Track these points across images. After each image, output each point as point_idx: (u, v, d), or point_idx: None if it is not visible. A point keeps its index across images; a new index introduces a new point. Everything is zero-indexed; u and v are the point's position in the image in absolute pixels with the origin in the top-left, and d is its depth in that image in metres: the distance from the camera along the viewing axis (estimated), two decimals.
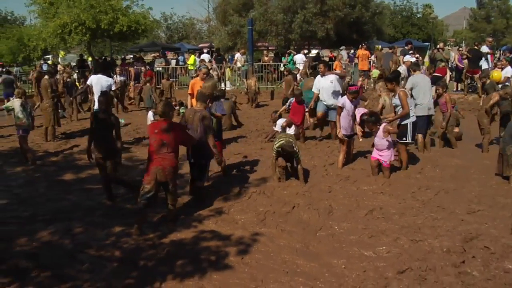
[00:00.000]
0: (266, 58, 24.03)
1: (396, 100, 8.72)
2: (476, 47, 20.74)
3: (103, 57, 27.81)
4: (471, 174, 8.47)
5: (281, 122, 10.80)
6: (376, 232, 6.02)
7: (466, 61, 18.49)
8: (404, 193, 7.47)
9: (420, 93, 9.95)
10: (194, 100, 10.22)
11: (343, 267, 5.15)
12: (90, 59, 28.95)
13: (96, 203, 7.41)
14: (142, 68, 19.71)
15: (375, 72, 17.68)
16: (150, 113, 12.10)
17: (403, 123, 8.67)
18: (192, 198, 7.45)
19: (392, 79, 8.83)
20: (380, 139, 8.20)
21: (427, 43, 38.91)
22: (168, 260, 5.36)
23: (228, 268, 5.18)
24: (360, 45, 22.05)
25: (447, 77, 16.65)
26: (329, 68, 12.75)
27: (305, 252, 5.54)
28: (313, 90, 11.19)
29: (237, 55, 24.53)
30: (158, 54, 27.76)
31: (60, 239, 6.04)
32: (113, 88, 10.92)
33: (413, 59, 16.46)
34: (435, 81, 15.36)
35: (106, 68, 11.96)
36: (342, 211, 6.80)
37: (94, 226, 6.46)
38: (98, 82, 10.93)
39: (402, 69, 15.27)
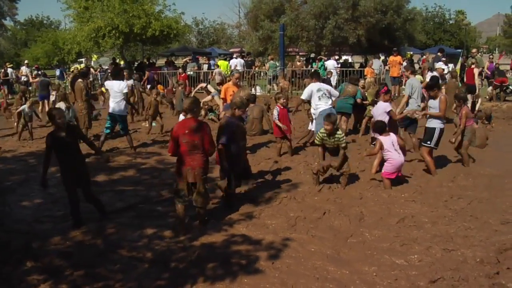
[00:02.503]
0: (298, 64, 24.01)
1: (434, 103, 8.67)
2: (497, 65, 20.63)
3: (115, 61, 28.07)
4: (505, 183, 8.30)
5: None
6: (408, 240, 5.94)
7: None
8: (436, 201, 7.37)
9: (414, 95, 10.28)
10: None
11: (374, 275, 5.10)
12: (122, 62, 29.40)
13: (128, 204, 7.51)
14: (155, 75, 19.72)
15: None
16: (182, 117, 12.21)
17: (431, 126, 8.69)
18: (221, 201, 7.50)
19: (434, 85, 8.92)
20: (401, 152, 8.12)
21: (460, 50, 38.27)
22: (199, 263, 5.38)
23: (258, 272, 5.18)
24: (393, 52, 21.84)
25: (477, 82, 16.34)
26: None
27: (336, 259, 5.51)
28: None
29: (232, 61, 24.90)
30: (190, 58, 28.00)
31: (92, 239, 6.15)
32: (124, 91, 10.98)
33: (445, 66, 16.34)
34: (469, 90, 15.19)
35: (118, 73, 12.07)
36: (373, 218, 6.75)
37: (126, 227, 6.55)
38: (111, 87, 11.08)
39: (433, 75, 15.16)
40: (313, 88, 10.32)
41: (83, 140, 7.00)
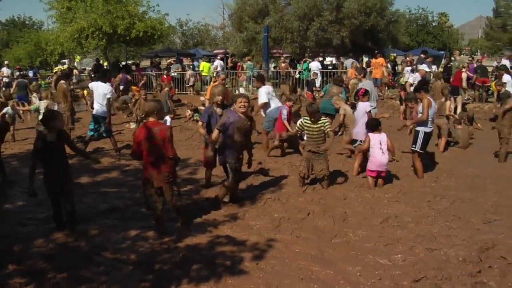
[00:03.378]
0: (283, 65, 24.05)
1: (420, 107, 8.78)
2: (480, 63, 20.89)
3: (98, 62, 27.98)
4: (487, 183, 8.41)
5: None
6: (392, 240, 5.99)
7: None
8: (419, 201, 7.44)
9: (370, 98, 10.47)
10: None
11: (358, 275, 5.13)
12: (106, 63, 29.24)
13: (111, 206, 7.46)
14: (128, 76, 19.45)
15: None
16: (168, 118, 12.16)
17: (417, 129, 8.75)
18: (206, 203, 7.50)
19: (420, 88, 8.96)
20: (386, 153, 8.18)
21: (442, 52, 38.63)
22: (184, 264, 5.37)
23: (243, 273, 5.18)
24: (376, 53, 22.01)
25: (463, 83, 16.54)
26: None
27: (320, 259, 5.53)
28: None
29: (216, 62, 25.05)
30: (174, 59, 27.92)
31: (76, 241, 6.09)
32: (108, 96, 10.86)
33: (428, 69, 16.49)
34: (453, 91, 15.36)
35: (104, 75, 11.96)
36: (357, 218, 6.79)
37: (109, 228, 6.50)
38: (97, 89, 11.01)
39: (415, 77, 15.35)
40: (265, 90, 11.24)
41: (69, 145, 6.69)
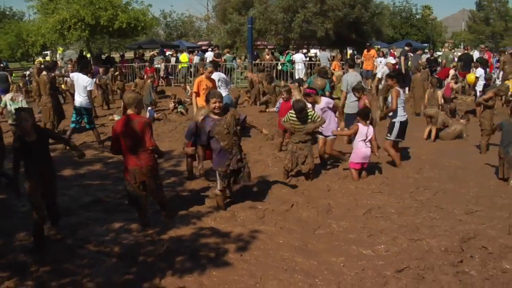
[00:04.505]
0: (267, 57, 23.95)
1: (389, 98, 8.95)
2: (467, 51, 21.16)
3: (82, 54, 27.70)
4: (468, 174, 8.50)
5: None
6: (375, 231, 6.04)
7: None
8: (402, 192, 7.50)
9: (351, 90, 10.49)
10: (200, 99, 10.29)
11: (342, 265, 5.17)
12: (89, 55, 28.94)
13: (95, 198, 7.43)
14: (101, 69, 19.19)
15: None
16: (150, 109, 12.13)
17: (393, 120, 8.90)
18: (189, 195, 7.50)
19: (393, 76, 9.14)
20: (369, 145, 8.24)
21: (426, 44, 38.92)
22: (168, 256, 5.37)
23: (227, 265, 5.19)
24: (366, 46, 22.08)
25: (449, 78, 16.69)
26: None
27: (304, 250, 5.56)
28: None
29: (208, 53, 25.00)
30: (157, 51, 27.70)
31: (59, 234, 6.05)
32: (88, 88, 10.76)
33: (394, 61, 16.62)
34: (440, 83, 15.54)
35: (86, 66, 11.84)
36: (341, 209, 6.83)
37: (93, 221, 6.48)
38: (77, 80, 10.89)
39: (384, 71, 15.45)
40: (216, 77, 11.20)
41: (56, 139, 6.49)
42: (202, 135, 6.54)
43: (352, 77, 11.04)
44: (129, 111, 6.01)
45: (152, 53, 27.96)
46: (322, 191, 7.64)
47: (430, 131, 11.39)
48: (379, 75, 15.97)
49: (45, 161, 5.85)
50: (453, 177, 8.32)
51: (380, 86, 14.99)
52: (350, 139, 8.56)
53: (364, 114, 8.42)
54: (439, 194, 7.44)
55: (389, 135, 8.91)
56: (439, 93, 11.41)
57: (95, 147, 10.89)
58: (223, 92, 10.61)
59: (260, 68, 20.07)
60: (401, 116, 8.85)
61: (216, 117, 6.46)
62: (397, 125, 8.83)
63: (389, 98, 9.05)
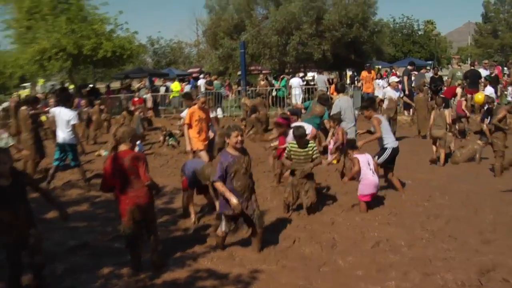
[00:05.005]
0: (262, 83, 24.06)
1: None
2: (473, 67, 21.16)
3: (63, 86, 27.82)
4: (484, 200, 8.50)
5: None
6: (384, 265, 6.00)
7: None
8: (412, 223, 7.48)
9: (346, 116, 10.71)
10: (192, 131, 10.32)
11: None
12: (72, 86, 29.03)
13: (82, 242, 7.36)
14: (82, 101, 19.21)
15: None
16: (139, 144, 12.13)
17: (385, 146, 9.12)
18: (184, 234, 7.44)
19: (367, 106, 9.47)
20: (375, 173, 8.27)
21: (430, 62, 39.22)
22: None
23: None
24: (365, 67, 22.24)
25: (458, 96, 16.78)
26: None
27: None
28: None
29: (200, 81, 25.19)
30: (143, 83, 27.77)
31: (43, 284, 5.97)
32: (72, 123, 10.72)
33: (397, 79, 16.70)
34: (446, 104, 15.64)
35: (67, 100, 11.82)
36: (347, 244, 6.79)
37: (80, 267, 6.41)
38: (59, 115, 10.88)
39: (386, 91, 15.50)
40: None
41: (35, 189, 5.91)
42: (218, 171, 6.26)
43: (345, 102, 11.10)
44: (123, 147, 6.03)
45: (138, 85, 27.91)
46: (326, 225, 7.61)
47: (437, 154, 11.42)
48: (380, 96, 16.06)
49: (20, 210, 5.37)
50: (466, 204, 8.32)
51: (384, 106, 15.06)
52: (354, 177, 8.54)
53: (352, 145, 8.62)
54: (452, 222, 7.42)
55: (376, 157, 9.00)
56: (447, 112, 11.45)
57: (80, 186, 10.85)
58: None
59: (258, 93, 20.21)
60: (393, 142, 9.13)
61: (236, 153, 6.35)
62: (388, 151, 9.04)
63: (372, 128, 9.33)
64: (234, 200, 6.17)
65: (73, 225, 8.21)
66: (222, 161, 6.28)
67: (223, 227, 6.57)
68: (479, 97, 16.32)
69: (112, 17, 25.95)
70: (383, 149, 9.08)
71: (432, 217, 7.68)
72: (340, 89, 11.92)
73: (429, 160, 11.51)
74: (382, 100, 15.52)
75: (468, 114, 14.52)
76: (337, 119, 10.41)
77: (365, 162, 8.21)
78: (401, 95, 16.29)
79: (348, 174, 8.91)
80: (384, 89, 16.26)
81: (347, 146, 8.74)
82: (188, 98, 11.71)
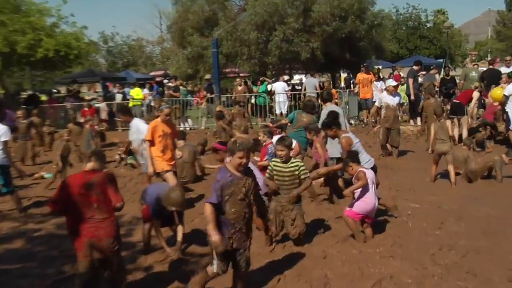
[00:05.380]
0: (240, 89, 24.02)
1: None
2: (492, 66, 21.23)
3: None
4: (508, 227, 8.51)
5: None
6: None
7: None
8: (421, 256, 7.45)
9: None
10: (154, 149, 10.22)
11: None
12: (3, 91, 28.67)
13: None
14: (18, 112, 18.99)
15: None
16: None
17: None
18: (146, 275, 7.35)
19: (331, 123, 9.34)
20: (376, 195, 8.26)
21: (441, 60, 39.38)
22: None
23: None
24: (362, 68, 22.27)
25: (473, 102, 16.85)
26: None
27: None
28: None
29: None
30: (96, 91, 27.56)
31: None
32: (3, 139, 10.53)
33: (395, 83, 16.69)
34: (455, 109, 15.72)
35: None
36: (342, 282, 6.75)
37: None
38: None
39: (382, 96, 15.55)
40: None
41: None
42: (214, 192, 5.94)
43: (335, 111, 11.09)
44: (89, 165, 6.03)
45: (89, 98, 27.52)
46: (317, 259, 7.55)
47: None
48: (377, 103, 15.99)
49: None
50: (487, 232, 8.32)
51: (382, 115, 15.12)
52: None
53: (354, 156, 8.50)
54: (469, 255, 7.40)
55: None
56: (448, 123, 11.53)
57: (15, 218, 10.67)
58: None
59: (235, 101, 20.23)
60: (366, 162, 8.86)
61: (237, 173, 6.06)
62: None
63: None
64: (213, 237, 5.81)
65: (4, 268, 8.05)
66: (219, 178, 5.98)
67: (214, 267, 6.15)
68: (497, 92, 16.29)
69: (53, 7, 25.76)
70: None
71: (445, 249, 7.66)
72: (327, 98, 12.08)
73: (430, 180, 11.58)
74: (379, 108, 15.54)
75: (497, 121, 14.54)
76: (314, 128, 10.32)
77: (370, 178, 8.18)
78: (401, 101, 16.23)
79: (351, 187, 8.71)
80: (380, 95, 16.23)
81: (348, 159, 8.62)
82: (124, 113, 11.69)
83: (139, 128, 11.21)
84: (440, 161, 11.60)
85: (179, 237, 7.68)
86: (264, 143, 10.07)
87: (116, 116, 23.81)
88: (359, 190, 8.15)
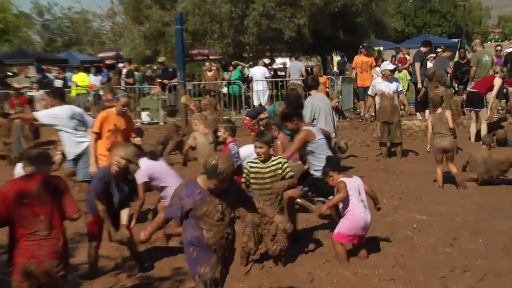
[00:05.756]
0: (210, 74, 23.92)
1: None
2: None
3: None
4: None
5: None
6: None
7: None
8: (428, 278, 7.47)
9: (320, 121, 10.84)
10: (100, 145, 9.96)
11: None
12: None
13: None
14: None
15: None
16: (19, 167, 11.90)
17: (315, 170, 8.92)
18: None
19: (291, 114, 9.26)
20: (367, 207, 8.26)
21: (456, 40, 39.43)
22: None
23: None
24: (360, 49, 22.25)
25: (494, 91, 16.78)
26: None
27: None
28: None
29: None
30: (26, 71, 27.22)
31: None
32: None
33: (392, 66, 16.43)
34: (473, 102, 15.73)
35: None
36: None
37: None
38: None
39: (376, 83, 15.53)
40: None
41: None
42: (173, 209, 5.84)
43: (319, 101, 11.29)
44: (29, 170, 5.96)
45: (19, 86, 27.06)
46: (302, 282, 7.56)
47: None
48: (370, 91, 15.71)
49: None
50: (509, 250, 8.36)
51: (377, 106, 15.13)
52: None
53: (334, 163, 8.52)
54: (488, 278, 7.41)
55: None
56: (448, 114, 11.57)
57: None
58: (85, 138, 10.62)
59: (205, 90, 20.16)
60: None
61: (210, 185, 5.70)
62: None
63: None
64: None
65: None
66: (182, 196, 5.76)
67: None
68: None
69: None
70: (311, 176, 8.96)
71: (458, 270, 7.68)
72: (312, 85, 12.06)
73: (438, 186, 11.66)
74: (373, 97, 15.42)
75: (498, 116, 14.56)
76: (275, 123, 10.07)
77: (354, 188, 8.16)
78: (400, 88, 16.00)
79: (327, 202, 8.66)
80: (374, 81, 16.06)
81: (327, 168, 8.60)
82: (55, 95, 11.42)
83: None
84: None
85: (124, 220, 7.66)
86: (225, 142, 10.08)
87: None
88: (341, 205, 8.19)
